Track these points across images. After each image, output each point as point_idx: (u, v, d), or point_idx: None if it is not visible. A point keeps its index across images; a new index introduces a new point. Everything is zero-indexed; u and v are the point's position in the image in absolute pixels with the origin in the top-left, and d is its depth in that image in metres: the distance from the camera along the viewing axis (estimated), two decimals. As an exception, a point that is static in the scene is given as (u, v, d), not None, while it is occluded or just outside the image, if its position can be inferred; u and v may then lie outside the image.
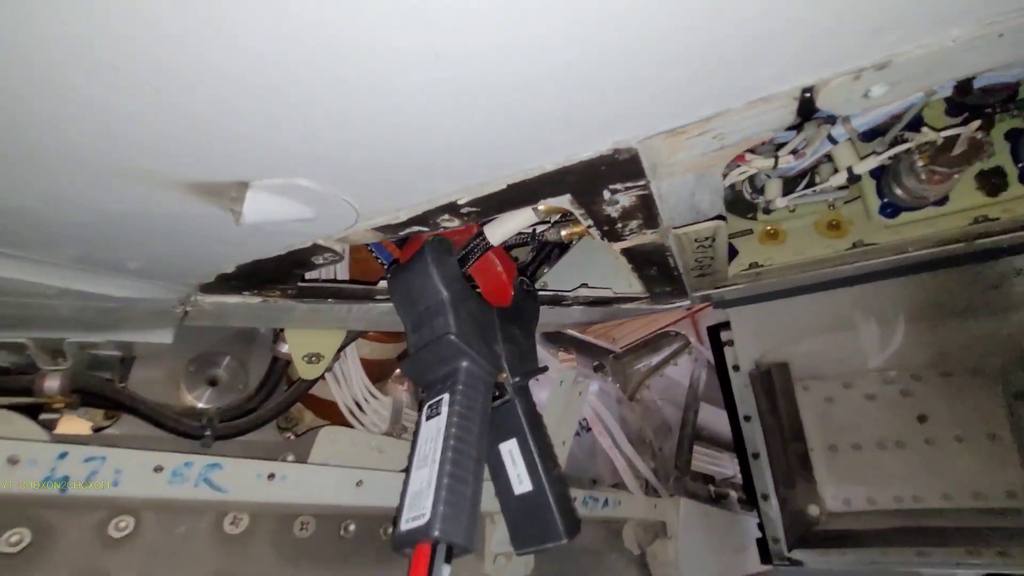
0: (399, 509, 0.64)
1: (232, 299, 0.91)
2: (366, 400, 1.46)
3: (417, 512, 0.61)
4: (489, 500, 1.46)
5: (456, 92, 0.42)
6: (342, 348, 1.30)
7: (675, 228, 0.80)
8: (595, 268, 1.38)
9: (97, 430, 1.21)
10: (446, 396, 0.70)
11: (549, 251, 1.45)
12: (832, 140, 0.84)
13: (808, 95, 0.48)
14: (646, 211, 0.71)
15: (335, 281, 0.98)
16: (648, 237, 0.81)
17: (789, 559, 1.98)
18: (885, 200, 1.04)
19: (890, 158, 0.93)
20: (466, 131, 0.47)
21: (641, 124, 0.50)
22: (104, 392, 1.03)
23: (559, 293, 1.18)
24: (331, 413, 1.56)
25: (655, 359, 2.53)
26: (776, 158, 0.79)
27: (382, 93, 0.42)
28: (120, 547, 1.02)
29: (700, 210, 0.75)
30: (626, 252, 0.89)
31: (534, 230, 1.05)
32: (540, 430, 0.77)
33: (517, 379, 0.80)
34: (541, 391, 2.15)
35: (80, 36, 0.33)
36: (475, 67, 0.39)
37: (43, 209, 0.53)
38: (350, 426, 1.50)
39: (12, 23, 0.32)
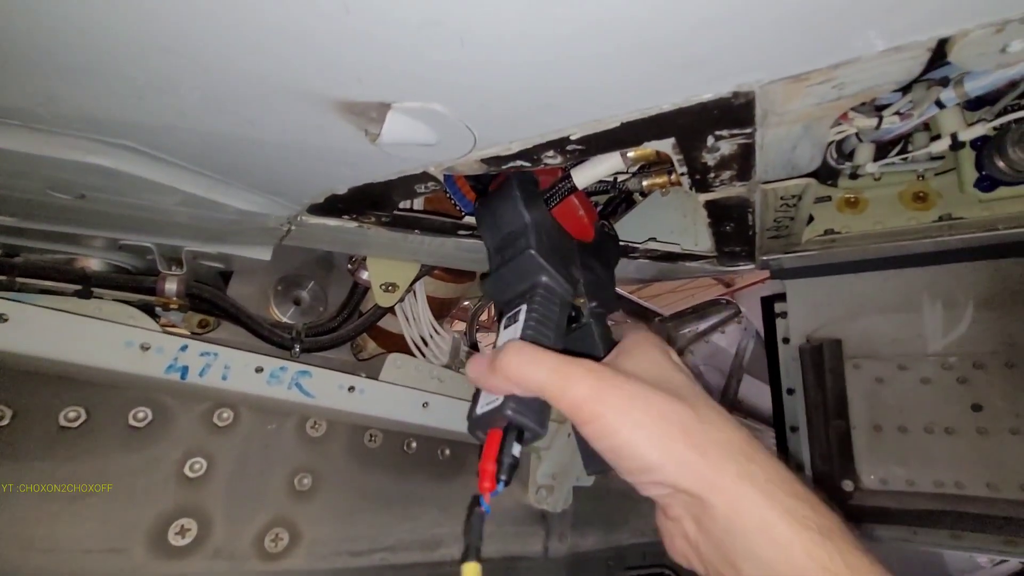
0: (473, 400, 0.67)
1: (332, 222, 0.99)
2: (431, 335, 1.55)
3: (491, 399, 0.64)
4: (537, 436, 1.56)
5: (596, 26, 0.45)
6: (415, 281, 1.39)
7: (765, 183, 0.82)
8: (659, 226, 1.40)
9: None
10: (523, 306, 0.73)
11: (616, 205, 1.47)
12: (940, 105, 0.82)
13: (942, 47, 0.48)
14: (743, 161, 0.73)
15: (425, 212, 1.04)
16: (736, 190, 0.83)
17: (817, 528, 2.02)
18: (984, 172, 1.01)
19: (996, 128, 0.90)
20: (597, 66, 0.51)
21: (768, 68, 0.52)
22: (213, 299, 1.15)
23: (629, 244, 1.21)
24: (391, 343, 1.67)
25: (701, 325, 2.54)
26: (880, 118, 0.78)
27: (528, 24, 0.45)
28: (222, 435, 1.16)
29: (796, 165, 0.76)
30: (709, 204, 0.91)
31: (615, 178, 1.08)
32: None
33: (594, 304, 0.84)
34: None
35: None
36: (636, 11, 0.42)
37: (217, 120, 0.61)
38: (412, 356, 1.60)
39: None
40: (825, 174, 1.27)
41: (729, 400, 2.30)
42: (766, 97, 0.57)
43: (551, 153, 0.70)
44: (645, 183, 1.02)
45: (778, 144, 0.69)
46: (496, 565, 1.50)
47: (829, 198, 1.24)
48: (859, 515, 1.96)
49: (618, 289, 2.64)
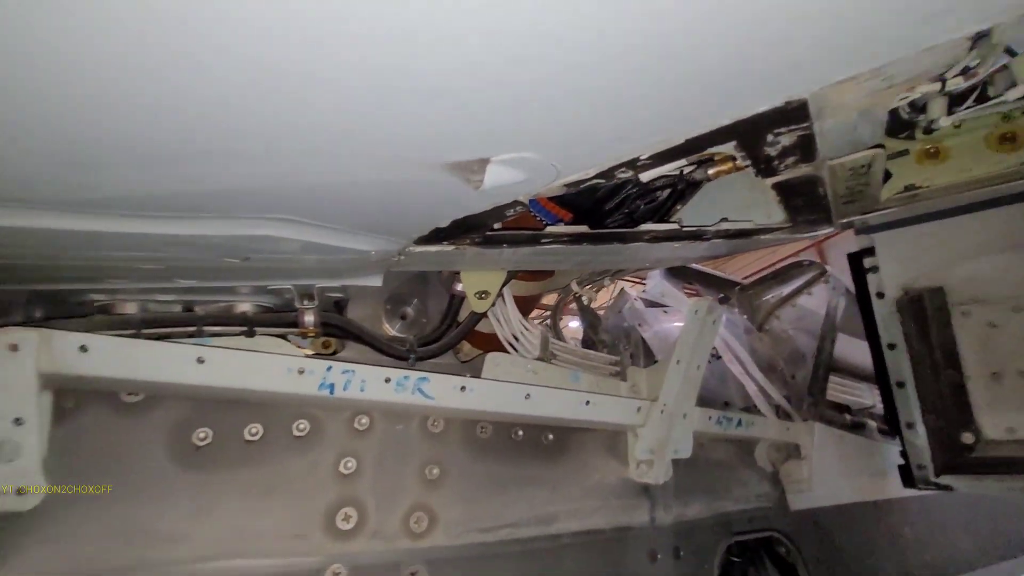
0: None
1: (433, 248, 1.14)
2: (521, 332, 1.69)
3: None
4: (632, 415, 1.66)
5: (660, 62, 0.55)
6: (503, 286, 1.53)
7: (831, 160, 0.86)
8: (728, 204, 1.43)
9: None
10: None
11: (682, 190, 1.52)
12: (1010, 52, 0.82)
13: (980, 35, 0.53)
14: (805, 148, 0.78)
15: (512, 229, 1.16)
16: (802, 170, 0.88)
17: (936, 484, 1.95)
18: (1075, 107, 0.96)
19: (1084, 60, 0.86)
20: (663, 100, 0.60)
21: (815, 78, 0.58)
22: (342, 324, 1.36)
23: (701, 228, 1.27)
24: (484, 343, 1.83)
25: (785, 290, 2.49)
26: (943, 81, 0.80)
27: (605, 73, 0.55)
28: (363, 437, 1.37)
29: (859, 141, 0.80)
30: (777, 185, 0.96)
31: (681, 170, 1.14)
32: None
33: None
34: (675, 319, 2.27)
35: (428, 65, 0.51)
36: (686, 47, 0.51)
37: (349, 189, 0.77)
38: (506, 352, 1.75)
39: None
40: (898, 128, 1.25)
41: (824, 361, 2.25)
42: (818, 99, 0.63)
43: (623, 170, 0.80)
44: (711, 171, 1.08)
45: (837, 129, 0.74)
46: (608, 536, 1.62)
47: (907, 151, 1.22)
48: (982, 468, 1.87)
49: (692, 265, 2.64)
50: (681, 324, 2.38)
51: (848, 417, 2.41)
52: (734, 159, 1.04)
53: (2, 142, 0.59)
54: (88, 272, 1.10)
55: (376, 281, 1.35)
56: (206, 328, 1.21)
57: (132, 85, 0.51)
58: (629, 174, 0.82)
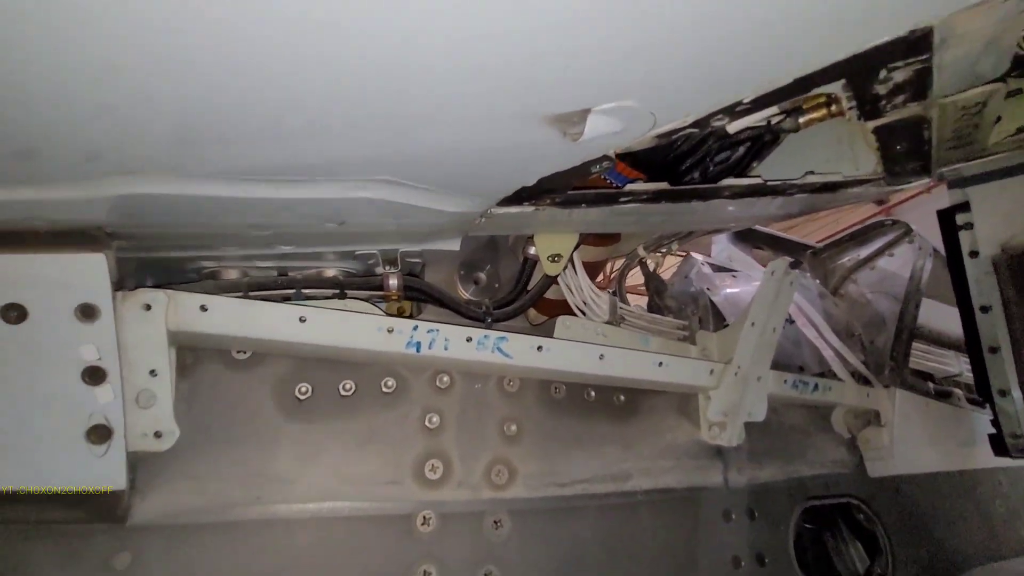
0: None
1: (514, 209, 1.17)
2: (591, 297, 1.71)
3: None
4: (704, 377, 1.65)
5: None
6: (575, 249, 1.54)
7: (944, 98, 0.81)
8: (812, 156, 1.37)
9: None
10: None
11: (764, 143, 1.46)
12: None
13: None
14: (918, 84, 0.75)
15: (591, 187, 1.17)
16: (910, 111, 0.84)
17: (1033, 454, 1.84)
18: None
19: None
20: (778, 36, 0.59)
21: (948, 2, 0.56)
22: (425, 288, 1.43)
23: (785, 182, 1.23)
24: (550, 309, 1.85)
25: (863, 252, 2.37)
26: (1082, 2, 0.73)
27: (718, 13, 0.55)
28: (445, 395, 1.45)
29: (979, 75, 0.75)
30: (879, 129, 0.92)
31: (768, 121, 1.11)
32: None
33: None
34: (743, 284, 2.22)
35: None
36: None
37: (450, 147, 0.80)
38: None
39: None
40: (1013, 64, 1.15)
41: (908, 325, 2.13)
42: (944, 27, 0.60)
43: (720, 116, 0.79)
44: (802, 120, 1.04)
45: (958, 62, 0.70)
46: (681, 495, 1.64)
47: (1020, 91, 1.12)
48: (1090, 436, 1.74)
49: (759, 227, 2.55)
50: (743, 289, 2.32)
51: (932, 385, 2.29)
52: (828, 105, 1.00)
53: (127, 117, 0.65)
54: (203, 240, 1.21)
55: (455, 245, 1.40)
56: (303, 291, 1.30)
57: (270, 71, 0.56)
58: (724, 121, 0.81)
